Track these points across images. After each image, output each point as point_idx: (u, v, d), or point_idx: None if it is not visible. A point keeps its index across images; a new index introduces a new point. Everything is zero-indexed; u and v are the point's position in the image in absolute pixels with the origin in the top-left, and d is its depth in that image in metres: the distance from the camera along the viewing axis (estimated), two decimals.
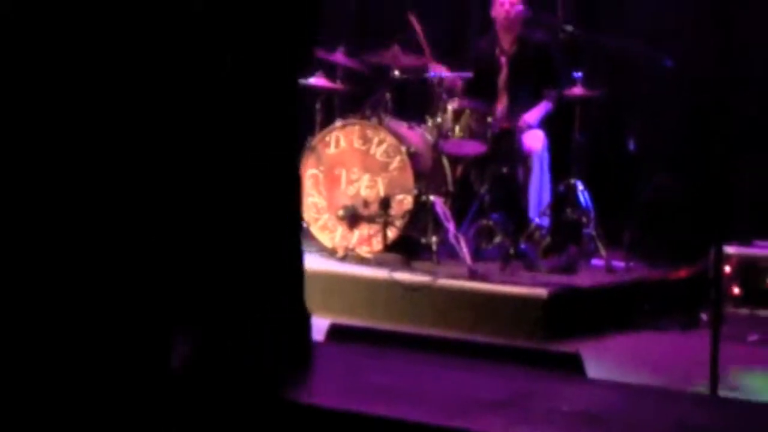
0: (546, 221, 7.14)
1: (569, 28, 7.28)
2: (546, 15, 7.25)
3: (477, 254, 6.71)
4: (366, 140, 6.97)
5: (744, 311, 6.25)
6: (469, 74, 7.46)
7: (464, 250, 6.46)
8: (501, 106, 7.42)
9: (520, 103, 7.38)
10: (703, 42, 7.74)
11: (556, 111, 7.42)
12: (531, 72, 7.45)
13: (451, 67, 7.33)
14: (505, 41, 7.63)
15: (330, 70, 7.61)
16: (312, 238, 6.87)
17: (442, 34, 8.74)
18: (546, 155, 7.27)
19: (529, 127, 7.28)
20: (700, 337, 5.71)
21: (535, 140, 7.27)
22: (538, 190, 7.21)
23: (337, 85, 7.63)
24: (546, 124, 7.46)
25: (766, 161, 7.65)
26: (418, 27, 7.34)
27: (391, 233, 6.72)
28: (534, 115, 7.34)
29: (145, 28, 2.81)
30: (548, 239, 7.04)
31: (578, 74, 7.11)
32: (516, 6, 7.51)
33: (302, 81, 7.18)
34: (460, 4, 8.92)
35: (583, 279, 6.55)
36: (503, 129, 7.07)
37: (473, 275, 6.29)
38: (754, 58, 7.65)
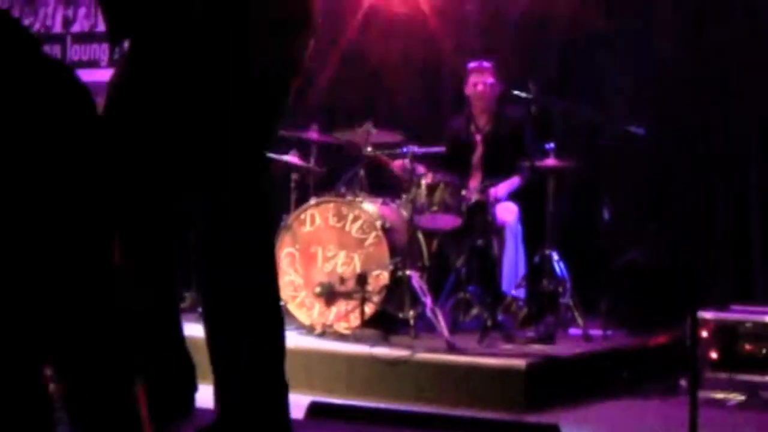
0: (522, 292, 7.16)
1: (542, 100, 7.28)
2: (519, 88, 7.24)
3: (454, 327, 6.71)
4: (341, 217, 7.00)
5: (723, 375, 6.26)
6: (442, 149, 7.51)
7: (442, 324, 6.45)
8: (475, 182, 7.46)
9: (493, 178, 7.40)
10: (678, 110, 7.85)
11: (528, 182, 7.45)
12: (505, 148, 7.48)
13: (424, 143, 7.36)
14: (480, 119, 7.68)
15: (304, 149, 7.65)
16: (290, 315, 6.86)
17: (415, 109, 8.83)
18: (519, 227, 7.31)
19: (497, 200, 7.31)
20: (680, 402, 5.73)
21: (507, 213, 7.31)
22: (512, 262, 7.24)
23: (311, 163, 7.67)
24: (519, 195, 7.49)
25: (742, 227, 7.73)
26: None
27: (369, 309, 6.73)
28: (503, 189, 7.38)
29: None
30: (525, 310, 7.05)
31: (550, 146, 7.10)
32: (490, 83, 7.56)
33: (276, 158, 7.24)
34: (433, 79, 9.01)
35: (561, 348, 6.55)
36: (477, 202, 7.10)
37: (451, 348, 6.28)
38: (728, 124, 7.76)
